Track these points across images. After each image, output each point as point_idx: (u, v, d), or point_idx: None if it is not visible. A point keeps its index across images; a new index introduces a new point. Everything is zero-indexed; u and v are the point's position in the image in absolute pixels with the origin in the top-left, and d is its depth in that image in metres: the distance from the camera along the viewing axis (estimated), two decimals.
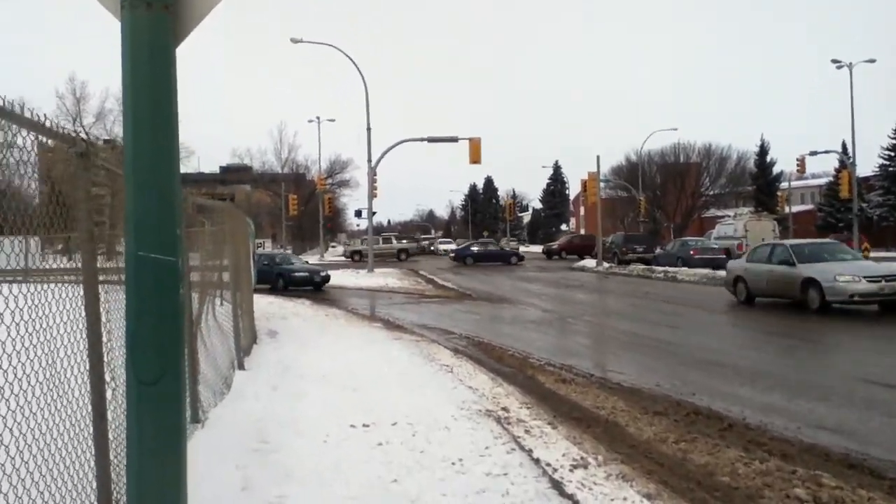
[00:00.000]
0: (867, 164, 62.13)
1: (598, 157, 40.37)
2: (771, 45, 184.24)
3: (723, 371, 9.79)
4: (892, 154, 75.58)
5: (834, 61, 45.77)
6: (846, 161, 48.64)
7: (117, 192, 4.08)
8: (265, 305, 19.88)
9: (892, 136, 75.34)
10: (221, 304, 9.51)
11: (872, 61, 46.45)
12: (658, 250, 37.97)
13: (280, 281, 26.87)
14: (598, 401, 7.95)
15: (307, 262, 32.65)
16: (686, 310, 18.47)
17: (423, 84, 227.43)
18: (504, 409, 7.38)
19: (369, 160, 37.99)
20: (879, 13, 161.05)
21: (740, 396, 8.27)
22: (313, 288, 27.18)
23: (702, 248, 33.98)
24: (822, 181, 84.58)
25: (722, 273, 26.71)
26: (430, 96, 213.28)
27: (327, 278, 27.79)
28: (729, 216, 45.59)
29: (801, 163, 49.56)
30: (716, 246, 34.72)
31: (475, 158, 37.29)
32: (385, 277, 32.58)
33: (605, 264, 38.20)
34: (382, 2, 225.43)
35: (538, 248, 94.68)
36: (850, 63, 45.60)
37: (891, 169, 75.40)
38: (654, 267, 32.31)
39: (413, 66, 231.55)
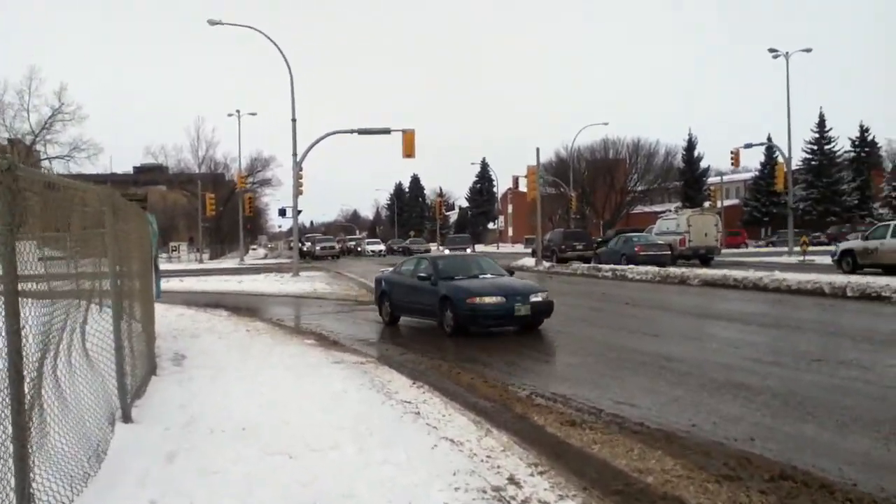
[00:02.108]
0: (792, 158, 62.28)
1: (537, 150, 38.53)
2: (697, 39, 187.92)
3: (761, 398, 7.72)
4: (816, 148, 77.05)
5: (771, 50, 45.18)
6: (782, 154, 48.10)
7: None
8: (174, 319, 17.05)
9: (815, 129, 76.82)
10: (100, 310, 6.80)
11: (809, 50, 46.18)
12: (600, 248, 36.44)
13: (448, 313, 13.51)
14: (635, 457, 5.74)
15: (506, 275, 15.23)
16: (656, 313, 16.59)
17: (349, 78, 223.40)
18: (511, 478, 5.09)
19: (294, 154, 35.16)
20: (810, 5, 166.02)
21: (814, 440, 6.21)
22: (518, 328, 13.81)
23: (646, 245, 32.53)
24: (747, 176, 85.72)
25: (673, 270, 25.30)
26: (356, 91, 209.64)
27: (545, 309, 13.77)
28: (670, 210, 44.53)
29: (736, 156, 48.91)
30: (661, 242, 33.37)
31: (409, 152, 34.94)
32: (312, 282, 29.88)
33: (545, 263, 36.43)
34: None
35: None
36: (787, 52, 45.13)
37: (813, 163, 76.88)
38: (599, 265, 30.59)
39: (339, 57, 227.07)
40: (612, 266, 29.40)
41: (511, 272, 15.86)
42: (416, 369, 10.19)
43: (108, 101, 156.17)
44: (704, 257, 35.43)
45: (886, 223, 25.09)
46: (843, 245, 26.49)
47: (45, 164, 53.54)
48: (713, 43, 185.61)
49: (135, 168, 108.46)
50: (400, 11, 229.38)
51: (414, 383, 8.79)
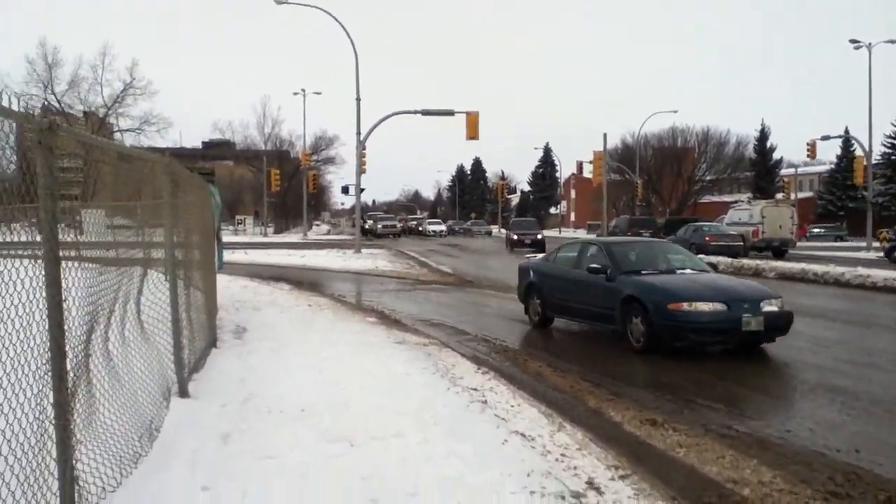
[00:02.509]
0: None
1: (604, 135, 37.80)
2: (773, 28, 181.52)
3: (860, 404, 7.05)
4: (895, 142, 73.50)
5: (852, 41, 43.12)
6: (862, 147, 45.87)
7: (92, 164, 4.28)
8: (237, 290, 17.00)
9: None
10: (165, 279, 6.55)
11: (894, 41, 43.68)
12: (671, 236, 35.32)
13: (636, 321, 9.87)
14: (726, 465, 5.19)
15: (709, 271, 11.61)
16: None
17: (415, 59, 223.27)
18: (590, 482, 4.61)
19: (358, 133, 35.04)
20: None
21: None
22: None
23: (718, 235, 31.38)
24: (822, 168, 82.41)
25: (746, 262, 24.19)
26: (420, 72, 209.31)
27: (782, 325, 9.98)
28: (742, 201, 42.91)
29: (812, 147, 46.97)
30: (733, 232, 32.12)
31: (472, 134, 34.49)
32: (374, 259, 29.72)
33: None
34: None
35: None
36: (870, 43, 42.95)
37: (893, 157, 73.35)
38: None
39: (406, 38, 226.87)
40: None
41: (715, 267, 12.25)
42: (478, 353, 9.75)
43: (178, 77, 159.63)
44: (778, 250, 34.01)
45: None
46: None
47: (117, 136, 54.79)
48: (789, 32, 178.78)
49: (203, 143, 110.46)
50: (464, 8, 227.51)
51: (479, 369, 8.37)
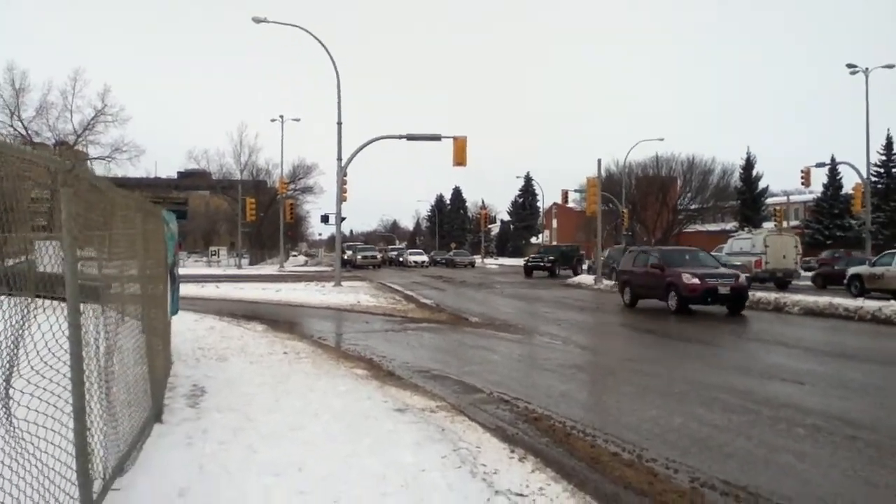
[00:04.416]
0: (853, 180, 58.45)
1: (598, 161, 36.00)
2: (754, 56, 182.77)
3: None
4: (882, 171, 72.82)
5: (849, 66, 42.17)
6: (860, 175, 44.71)
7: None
8: (202, 333, 14.82)
9: (883, 151, 72.63)
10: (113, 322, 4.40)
11: (891, 66, 42.63)
12: None
13: None
14: None
15: None
16: (776, 350, 13.81)
17: (394, 86, 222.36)
18: None
19: (339, 158, 33.11)
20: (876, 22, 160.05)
21: None
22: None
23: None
24: (807, 197, 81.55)
25: (763, 295, 22.32)
26: (398, 104, 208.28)
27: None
28: (742, 230, 41.30)
29: (807, 175, 45.70)
30: (738, 262, 30.30)
31: (460, 159, 32.68)
32: (356, 293, 27.51)
33: (605, 281, 33.58)
34: None
35: (508, 261, 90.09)
36: (867, 68, 41.95)
37: (880, 186, 72.64)
38: None
39: (385, 64, 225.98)
40: None
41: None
42: (502, 423, 7.60)
43: (152, 104, 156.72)
44: (782, 281, 32.33)
45: (893, 251, 26.08)
46: (852, 270, 27.48)
47: (88, 164, 52.28)
48: (772, 60, 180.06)
49: (179, 173, 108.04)
50: (447, 24, 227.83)
51: (513, 452, 6.24)
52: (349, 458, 5.67)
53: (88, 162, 53.30)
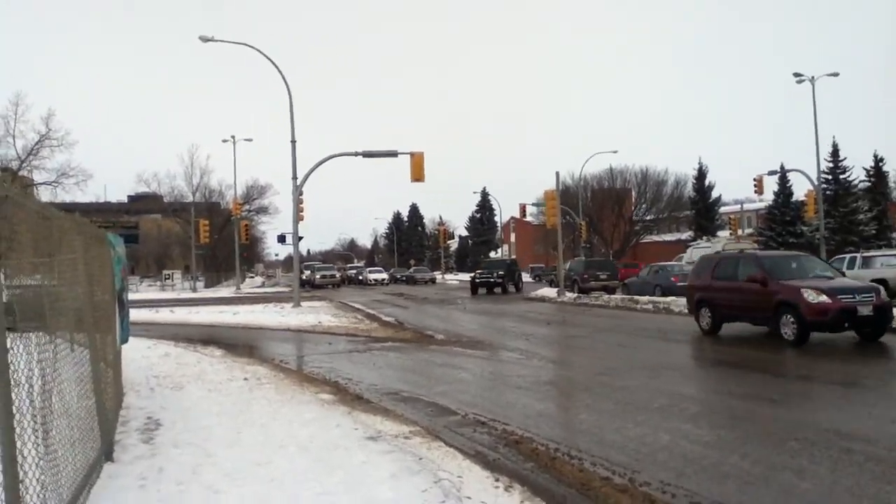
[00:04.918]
0: (804, 188, 59.54)
1: (556, 174, 35.89)
2: (709, 66, 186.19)
3: None
4: (830, 177, 74.46)
5: (796, 75, 42.95)
6: (812, 181, 45.60)
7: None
8: (157, 360, 14.15)
9: (829, 159, 74.27)
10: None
11: (836, 75, 43.68)
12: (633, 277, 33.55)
13: None
14: None
15: None
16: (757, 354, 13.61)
17: (348, 101, 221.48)
18: None
19: (294, 177, 32.46)
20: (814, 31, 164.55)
21: None
22: None
23: (684, 275, 29.51)
24: (758, 206, 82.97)
25: None
26: (356, 114, 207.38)
27: None
28: (702, 241, 41.54)
29: (759, 183, 46.31)
30: None
31: (417, 175, 32.24)
32: (316, 314, 26.84)
33: (568, 294, 33.43)
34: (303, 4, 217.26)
35: (468, 277, 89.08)
36: (813, 77, 42.79)
37: (828, 192, 74.23)
38: (636, 297, 27.52)
39: (338, 78, 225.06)
40: (650, 298, 26.39)
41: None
42: (480, 448, 7.15)
43: (99, 126, 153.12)
44: None
45: (842, 256, 26.02)
46: None
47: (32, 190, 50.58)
48: (718, 69, 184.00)
49: (129, 197, 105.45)
50: (400, 35, 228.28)
51: (497, 481, 5.79)
52: (321, 498, 5.16)
53: (34, 188, 51.65)
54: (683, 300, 23.89)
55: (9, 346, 3.47)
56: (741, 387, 10.51)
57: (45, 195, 50.54)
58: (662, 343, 16.07)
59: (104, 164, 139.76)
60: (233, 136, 56.87)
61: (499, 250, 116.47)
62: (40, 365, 4.04)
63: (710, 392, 10.48)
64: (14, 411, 3.44)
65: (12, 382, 3.41)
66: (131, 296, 10.91)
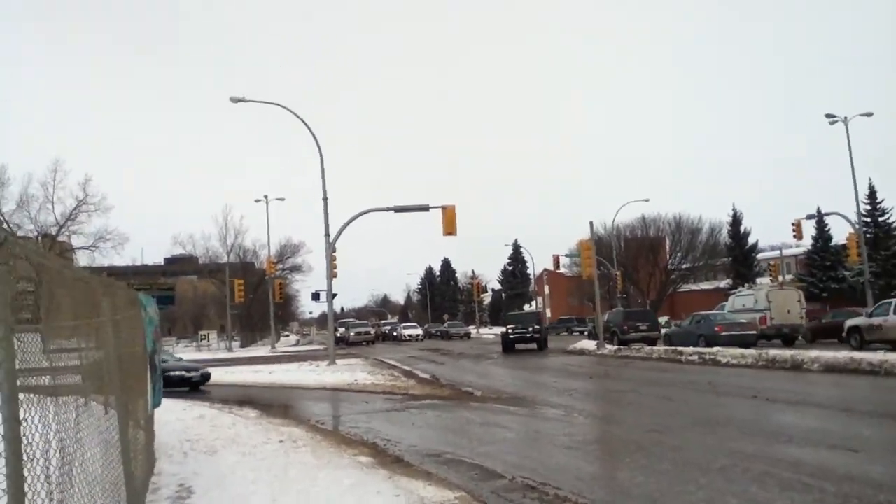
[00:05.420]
0: (842, 231, 58.18)
1: (591, 223, 35.58)
2: (735, 112, 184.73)
3: None
4: (869, 220, 72.93)
5: (828, 116, 42.29)
6: (853, 224, 44.55)
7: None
8: (192, 422, 13.81)
9: (867, 201, 72.90)
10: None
11: (870, 115, 42.89)
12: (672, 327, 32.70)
13: None
14: None
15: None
16: (833, 416, 12.85)
17: (380, 156, 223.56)
18: None
19: (327, 234, 32.42)
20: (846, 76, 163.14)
21: None
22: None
23: (728, 324, 28.65)
24: (797, 251, 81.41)
25: (778, 353, 21.40)
26: (387, 169, 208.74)
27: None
28: (743, 288, 40.52)
29: (798, 228, 45.26)
30: (744, 320, 29.47)
31: (450, 229, 32.00)
32: (352, 371, 26.41)
33: (608, 346, 32.63)
34: (333, 64, 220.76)
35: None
36: (846, 117, 42.13)
37: (868, 235, 72.56)
38: (680, 348, 26.65)
39: (369, 134, 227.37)
40: (694, 349, 25.53)
41: None
42: None
43: (134, 191, 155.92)
44: (788, 337, 31.44)
45: (889, 301, 25.19)
46: (850, 322, 26.24)
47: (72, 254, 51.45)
48: (750, 115, 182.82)
49: (165, 259, 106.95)
50: (429, 91, 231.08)
51: None
52: None
53: (73, 252, 52.49)
54: (730, 351, 23.20)
55: (22, 416, 3.12)
56: (803, 446, 9.84)
57: (83, 260, 51.37)
58: (713, 396, 15.34)
59: (141, 226, 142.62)
60: (265, 196, 57.53)
61: (533, 303, 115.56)
62: (59, 435, 3.69)
63: (771, 449, 9.81)
64: (26, 489, 3.07)
65: (25, 457, 3.06)
66: (161, 358, 10.66)
